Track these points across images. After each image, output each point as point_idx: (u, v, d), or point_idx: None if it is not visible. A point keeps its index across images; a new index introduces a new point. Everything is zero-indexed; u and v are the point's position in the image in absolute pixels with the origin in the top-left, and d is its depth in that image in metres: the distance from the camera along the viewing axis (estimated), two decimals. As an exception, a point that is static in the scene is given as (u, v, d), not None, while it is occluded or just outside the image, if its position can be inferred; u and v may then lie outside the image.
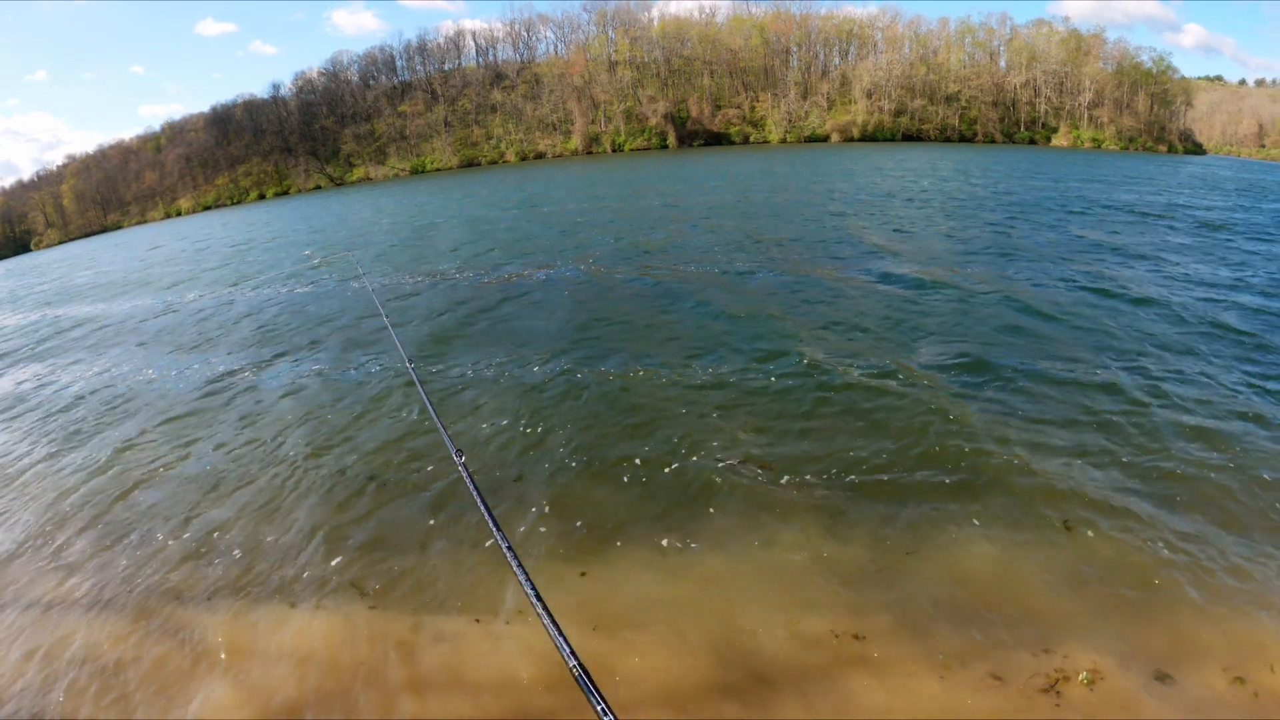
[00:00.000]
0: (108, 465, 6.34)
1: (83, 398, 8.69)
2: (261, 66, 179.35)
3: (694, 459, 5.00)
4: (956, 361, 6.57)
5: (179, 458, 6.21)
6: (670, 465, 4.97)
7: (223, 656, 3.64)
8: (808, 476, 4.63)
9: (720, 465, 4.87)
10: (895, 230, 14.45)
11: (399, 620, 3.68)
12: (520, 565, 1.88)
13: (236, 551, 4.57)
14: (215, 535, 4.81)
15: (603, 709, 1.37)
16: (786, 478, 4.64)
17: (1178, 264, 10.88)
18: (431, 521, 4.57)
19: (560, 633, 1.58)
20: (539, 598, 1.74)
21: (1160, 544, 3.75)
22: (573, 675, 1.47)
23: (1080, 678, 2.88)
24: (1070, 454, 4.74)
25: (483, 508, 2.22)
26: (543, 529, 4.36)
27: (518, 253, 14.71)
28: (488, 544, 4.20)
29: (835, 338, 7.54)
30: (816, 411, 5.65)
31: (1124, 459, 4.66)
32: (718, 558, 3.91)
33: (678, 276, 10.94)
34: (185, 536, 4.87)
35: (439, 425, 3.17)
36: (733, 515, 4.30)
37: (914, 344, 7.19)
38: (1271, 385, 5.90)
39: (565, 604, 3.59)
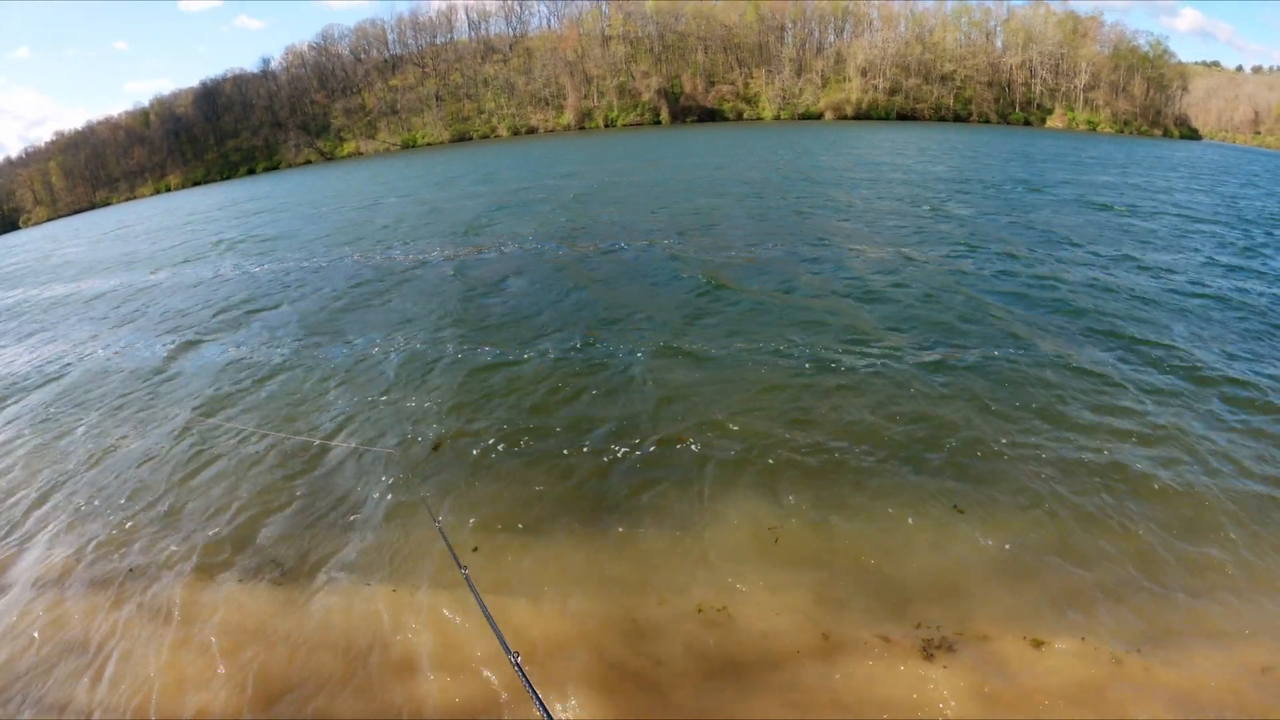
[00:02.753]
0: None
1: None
2: (247, 41, 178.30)
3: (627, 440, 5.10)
4: (898, 347, 6.71)
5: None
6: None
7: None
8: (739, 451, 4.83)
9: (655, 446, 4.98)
10: (856, 214, 14.17)
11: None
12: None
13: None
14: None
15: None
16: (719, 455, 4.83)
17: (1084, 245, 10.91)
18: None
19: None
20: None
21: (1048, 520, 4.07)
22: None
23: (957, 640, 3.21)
24: (963, 442, 4.90)
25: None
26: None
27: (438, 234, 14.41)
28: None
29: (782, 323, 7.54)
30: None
31: (1017, 446, 4.81)
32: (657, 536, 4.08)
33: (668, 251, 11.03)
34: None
35: None
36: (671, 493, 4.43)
37: (868, 329, 7.27)
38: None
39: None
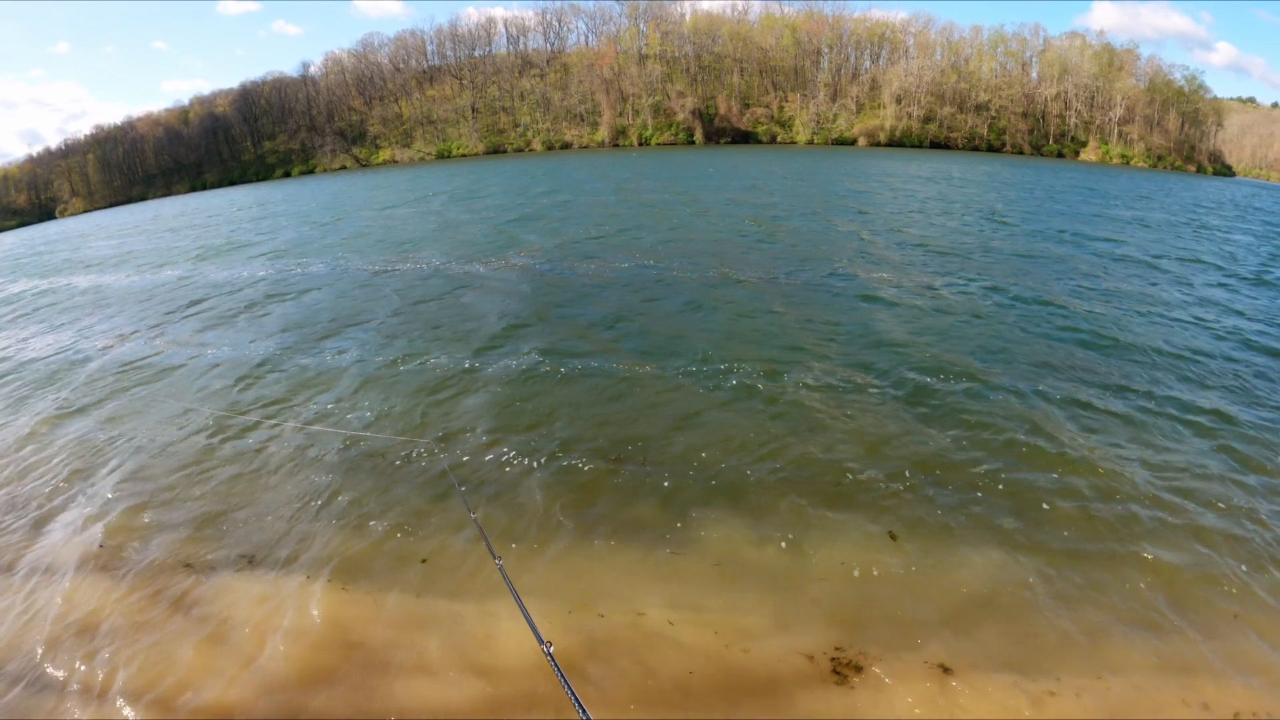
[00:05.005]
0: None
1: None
2: (285, 46, 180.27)
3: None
4: (880, 375, 6.94)
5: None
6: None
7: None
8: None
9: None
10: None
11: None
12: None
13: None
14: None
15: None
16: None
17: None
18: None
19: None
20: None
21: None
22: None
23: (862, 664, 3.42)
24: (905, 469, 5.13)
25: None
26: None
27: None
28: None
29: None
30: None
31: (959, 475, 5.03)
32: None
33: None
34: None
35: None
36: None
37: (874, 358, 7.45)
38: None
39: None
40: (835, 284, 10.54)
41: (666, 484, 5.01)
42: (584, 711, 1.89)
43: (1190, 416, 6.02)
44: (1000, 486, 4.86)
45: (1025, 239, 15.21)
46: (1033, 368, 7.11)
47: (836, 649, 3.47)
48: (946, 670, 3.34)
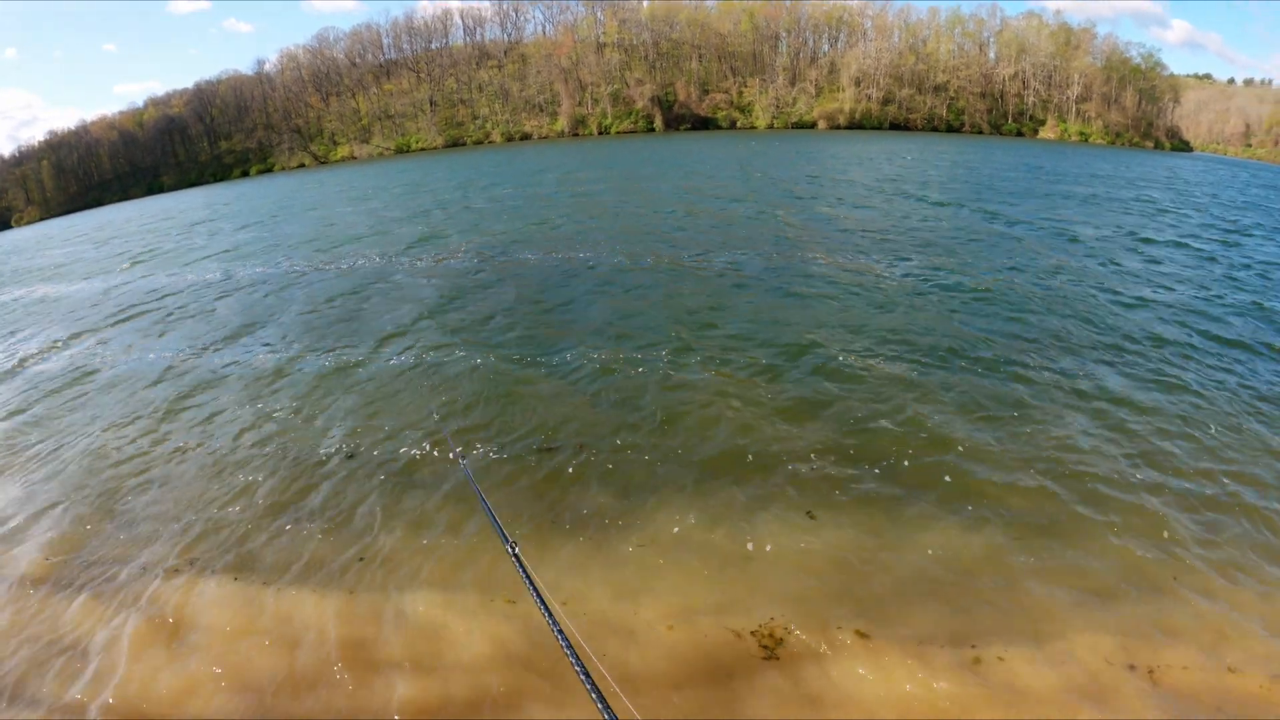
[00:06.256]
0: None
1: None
2: (237, 44, 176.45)
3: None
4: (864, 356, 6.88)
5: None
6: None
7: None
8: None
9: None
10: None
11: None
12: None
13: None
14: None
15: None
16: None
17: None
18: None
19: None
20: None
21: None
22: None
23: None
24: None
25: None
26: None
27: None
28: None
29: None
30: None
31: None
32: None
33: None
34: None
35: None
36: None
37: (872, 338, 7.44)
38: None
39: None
40: (746, 267, 10.52)
41: (571, 469, 4.98)
42: (548, 612, 1.98)
43: (1077, 394, 6.03)
44: (906, 464, 4.88)
45: (950, 217, 15.20)
46: (937, 348, 7.06)
47: (762, 626, 3.48)
48: (864, 636, 3.40)
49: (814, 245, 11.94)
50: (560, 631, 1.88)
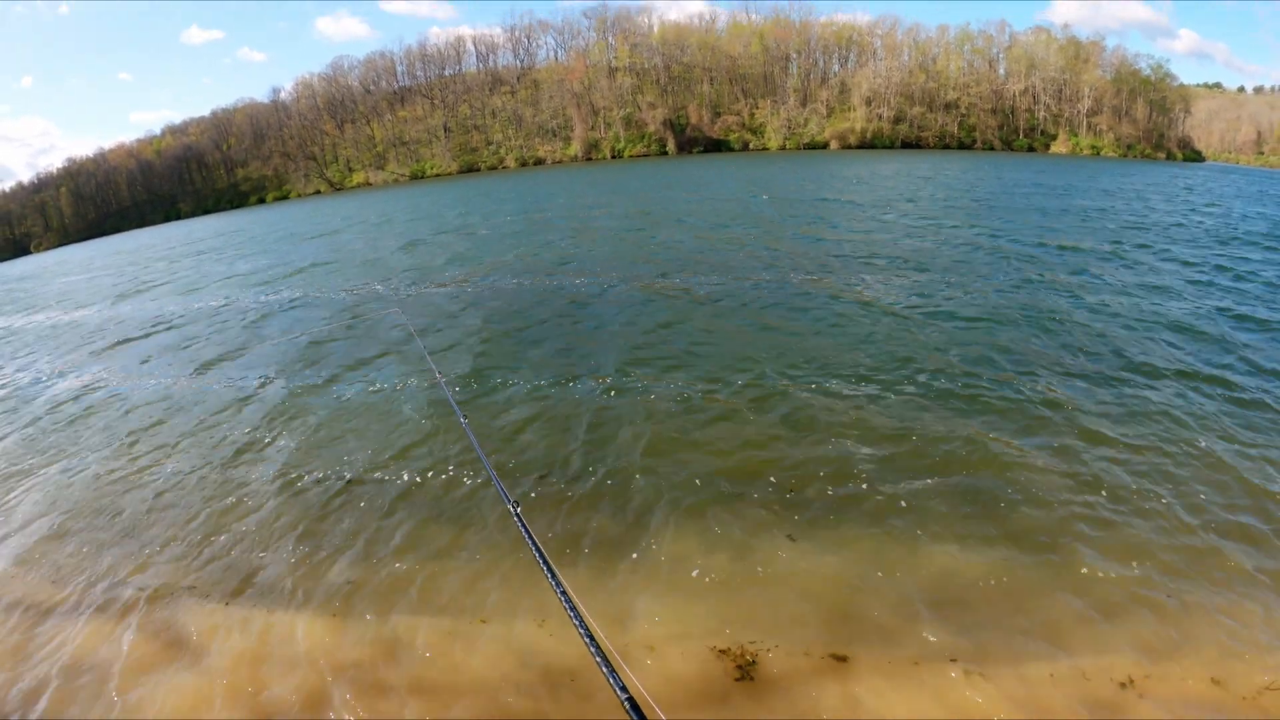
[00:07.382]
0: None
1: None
2: (251, 73, 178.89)
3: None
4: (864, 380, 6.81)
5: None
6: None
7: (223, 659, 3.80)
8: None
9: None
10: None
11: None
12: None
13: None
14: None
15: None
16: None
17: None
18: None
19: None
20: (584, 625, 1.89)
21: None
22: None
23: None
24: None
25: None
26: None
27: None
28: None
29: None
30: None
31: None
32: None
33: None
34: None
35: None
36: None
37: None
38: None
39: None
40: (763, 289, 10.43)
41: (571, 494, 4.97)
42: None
43: (1075, 412, 5.94)
44: (902, 485, 4.84)
45: (950, 235, 15.03)
46: (927, 366, 6.98)
47: (739, 647, 3.49)
48: (841, 659, 3.40)
49: (810, 267, 11.85)
50: (509, 496, 2.40)
